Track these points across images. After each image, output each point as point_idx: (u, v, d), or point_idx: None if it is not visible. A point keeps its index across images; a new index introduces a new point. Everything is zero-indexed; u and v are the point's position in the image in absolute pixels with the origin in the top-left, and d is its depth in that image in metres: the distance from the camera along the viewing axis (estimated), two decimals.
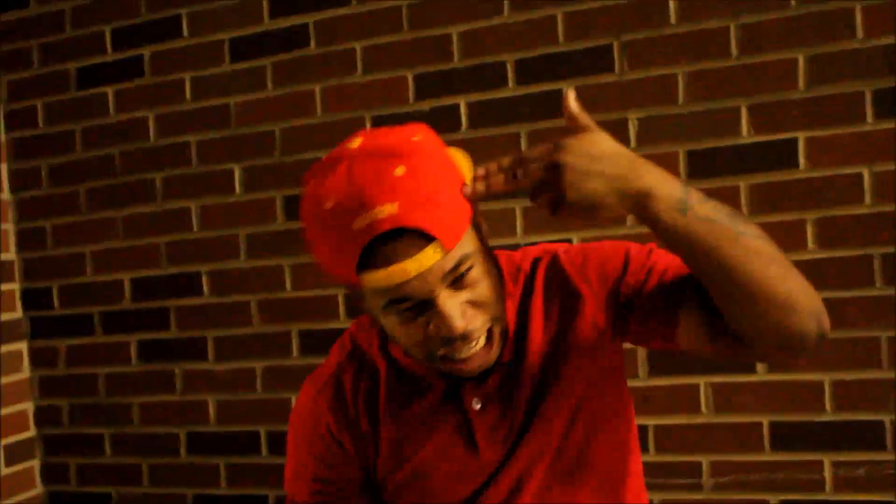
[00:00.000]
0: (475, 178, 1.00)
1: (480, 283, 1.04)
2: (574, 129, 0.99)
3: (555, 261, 1.19)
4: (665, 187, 0.94)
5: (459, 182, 1.04)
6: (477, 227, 1.07)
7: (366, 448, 1.24)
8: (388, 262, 0.97)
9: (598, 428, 1.18)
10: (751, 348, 1.03)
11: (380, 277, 0.98)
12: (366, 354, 1.24)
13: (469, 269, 1.01)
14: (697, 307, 1.06)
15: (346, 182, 1.00)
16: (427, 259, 0.96)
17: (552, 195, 0.96)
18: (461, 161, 1.09)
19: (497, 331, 1.08)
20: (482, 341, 1.06)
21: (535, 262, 1.21)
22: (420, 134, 1.04)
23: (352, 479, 1.24)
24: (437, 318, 1.01)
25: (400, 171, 0.98)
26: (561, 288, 1.18)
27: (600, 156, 0.95)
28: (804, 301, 0.98)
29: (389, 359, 1.22)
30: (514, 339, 1.19)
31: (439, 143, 1.06)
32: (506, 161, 0.99)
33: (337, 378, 1.24)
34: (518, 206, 2.13)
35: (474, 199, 0.99)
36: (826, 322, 1.00)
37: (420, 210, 0.97)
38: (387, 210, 0.96)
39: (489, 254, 1.09)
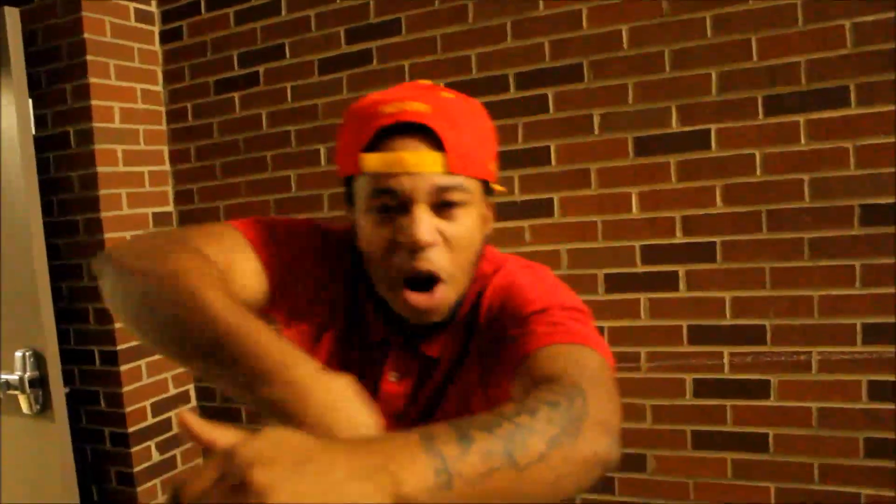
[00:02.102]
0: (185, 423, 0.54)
1: (462, 228, 0.87)
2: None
3: (500, 286, 0.94)
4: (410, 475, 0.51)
5: (491, 147, 0.91)
6: (487, 195, 0.93)
7: (310, 318, 0.98)
8: (394, 149, 0.83)
9: None
10: None
11: (380, 159, 0.83)
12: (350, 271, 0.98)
13: (460, 205, 0.86)
14: None
15: (395, 89, 0.91)
16: (428, 163, 0.82)
17: None
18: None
19: (453, 291, 0.89)
20: (440, 290, 0.87)
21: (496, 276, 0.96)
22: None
23: (296, 299, 0.94)
24: (407, 222, 0.83)
25: (448, 95, 0.88)
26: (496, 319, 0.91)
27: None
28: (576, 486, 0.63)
29: (354, 295, 0.98)
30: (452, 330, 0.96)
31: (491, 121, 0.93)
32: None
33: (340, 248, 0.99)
34: (526, 223, 2.16)
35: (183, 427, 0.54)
36: (599, 467, 0.63)
37: (447, 124, 0.83)
38: (418, 107, 0.83)
39: (483, 231, 0.92)
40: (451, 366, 0.95)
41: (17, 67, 2.10)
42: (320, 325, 0.99)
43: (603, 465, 0.64)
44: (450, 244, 0.86)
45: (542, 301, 0.86)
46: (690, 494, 2.07)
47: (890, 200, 1.81)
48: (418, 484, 0.51)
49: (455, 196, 0.85)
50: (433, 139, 0.83)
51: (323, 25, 2.40)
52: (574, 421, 0.63)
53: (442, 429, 0.56)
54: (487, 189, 0.93)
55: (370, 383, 0.93)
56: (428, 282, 0.87)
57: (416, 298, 0.86)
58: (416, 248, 0.84)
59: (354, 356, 0.98)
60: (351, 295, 0.98)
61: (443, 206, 0.85)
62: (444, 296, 0.87)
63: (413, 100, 0.85)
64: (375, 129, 0.84)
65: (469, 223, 0.87)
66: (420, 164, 0.82)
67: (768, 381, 1.96)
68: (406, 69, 2.30)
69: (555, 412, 0.62)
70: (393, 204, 0.85)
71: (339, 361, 0.97)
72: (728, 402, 2.01)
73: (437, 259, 0.85)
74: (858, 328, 1.87)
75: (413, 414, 0.95)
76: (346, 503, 0.46)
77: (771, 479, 1.98)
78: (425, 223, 0.83)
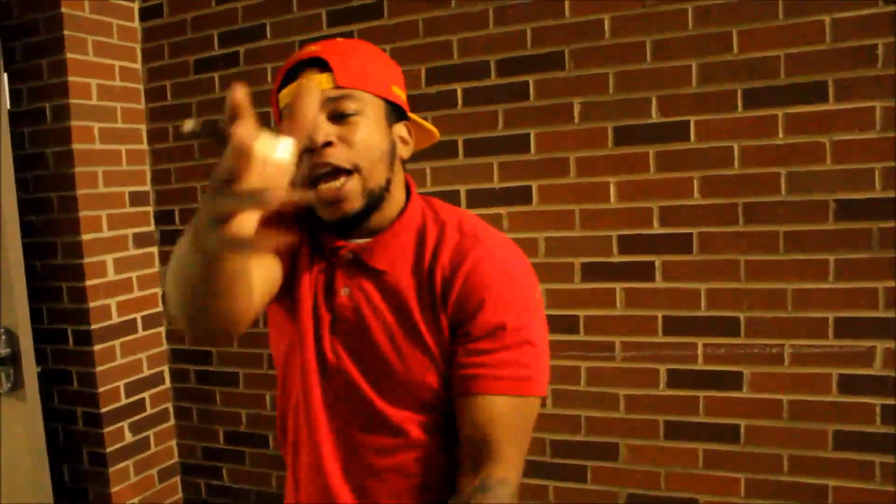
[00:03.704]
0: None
1: (359, 130, 0.98)
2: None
3: (465, 239, 1.04)
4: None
5: (390, 73, 1.04)
6: (399, 118, 1.05)
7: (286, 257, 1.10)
8: (292, 82, 0.99)
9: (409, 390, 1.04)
10: None
11: (286, 92, 1.00)
12: None
13: (354, 114, 0.98)
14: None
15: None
16: (318, 82, 0.96)
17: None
18: (425, 125, 1.13)
19: (359, 182, 0.99)
20: (346, 181, 0.97)
21: (453, 221, 1.07)
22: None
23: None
24: None
25: (345, 39, 1.06)
26: (450, 269, 1.03)
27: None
28: None
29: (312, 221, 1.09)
30: (402, 254, 1.06)
31: (393, 60, 1.08)
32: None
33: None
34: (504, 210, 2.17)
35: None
36: None
37: (333, 54, 0.99)
38: (312, 49, 1.00)
39: (389, 143, 1.03)
40: (391, 284, 1.05)
41: None
42: (293, 251, 1.10)
43: None
44: (347, 142, 0.98)
45: (508, 317, 1.00)
46: (662, 484, 2.09)
47: (864, 196, 1.83)
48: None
49: (346, 105, 0.98)
50: (326, 67, 0.98)
51: (305, 6, 2.39)
52: None
53: None
54: (398, 112, 1.06)
55: (329, 299, 1.07)
56: (332, 174, 0.98)
57: (324, 188, 0.97)
58: (314, 148, 0.96)
59: (315, 275, 1.10)
60: (310, 220, 1.10)
61: (339, 117, 0.98)
62: (350, 185, 0.99)
63: (310, 46, 1.02)
64: (282, 73, 1.02)
65: (366, 129, 0.99)
66: (312, 83, 0.91)
67: (741, 373, 1.98)
68: (388, 53, 2.25)
69: None
70: None
71: (305, 280, 1.09)
72: (701, 393, 2.03)
73: (335, 153, 0.97)
74: (830, 322, 1.89)
75: (350, 327, 1.06)
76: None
77: (741, 469, 2.01)
78: (320, 127, 0.95)
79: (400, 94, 1.06)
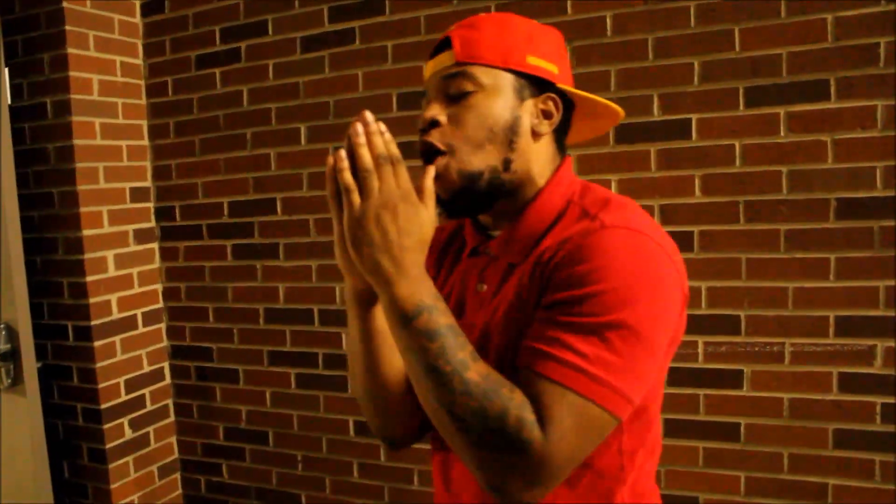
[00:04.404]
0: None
1: (470, 110, 0.92)
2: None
3: (587, 230, 0.87)
4: (404, 292, 0.78)
5: (525, 43, 0.94)
6: (527, 86, 0.95)
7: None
8: (429, 58, 0.99)
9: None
10: None
11: (425, 68, 0.99)
12: None
13: (471, 93, 0.92)
14: None
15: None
16: (440, 62, 0.95)
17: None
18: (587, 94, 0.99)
19: (454, 163, 0.92)
20: (439, 161, 0.92)
21: (595, 210, 0.91)
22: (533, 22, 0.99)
23: None
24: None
25: (483, 14, 0.99)
26: (563, 253, 0.87)
27: (398, 231, 0.78)
28: (474, 467, 0.78)
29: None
30: (523, 239, 0.96)
31: (545, 29, 0.99)
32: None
33: None
34: None
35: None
36: (511, 487, 0.76)
37: (460, 28, 0.96)
38: (449, 30, 0.97)
39: (512, 117, 0.93)
40: (517, 276, 0.94)
41: None
42: (441, 251, 1.12)
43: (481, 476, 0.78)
44: (457, 122, 0.92)
45: (607, 285, 0.80)
46: (662, 482, 2.09)
47: (866, 195, 1.83)
48: (401, 297, 0.77)
49: (462, 84, 0.92)
50: (451, 44, 0.95)
51: (306, 2, 2.39)
52: (501, 435, 0.75)
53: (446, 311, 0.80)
54: (538, 85, 0.96)
55: (467, 295, 1.01)
56: (431, 154, 0.93)
57: (425, 170, 0.90)
58: (424, 128, 0.94)
59: (458, 270, 1.06)
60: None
61: (456, 97, 0.93)
62: (443, 165, 0.92)
63: (452, 27, 0.99)
64: (430, 52, 1.00)
65: (480, 107, 0.92)
66: (435, 65, 0.96)
67: (741, 371, 1.98)
68: (389, 49, 2.29)
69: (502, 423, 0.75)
70: (429, 100, 0.97)
71: (447, 278, 1.07)
72: (701, 392, 2.03)
73: (437, 134, 0.93)
74: (831, 320, 1.89)
75: (484, 317, 0.96)
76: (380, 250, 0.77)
77: (742, 468, 2.01)
78: (433, 106, 0.93)
79: (542, 65, 0.95)
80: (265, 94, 2.48)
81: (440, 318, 0.79)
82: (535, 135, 0.96)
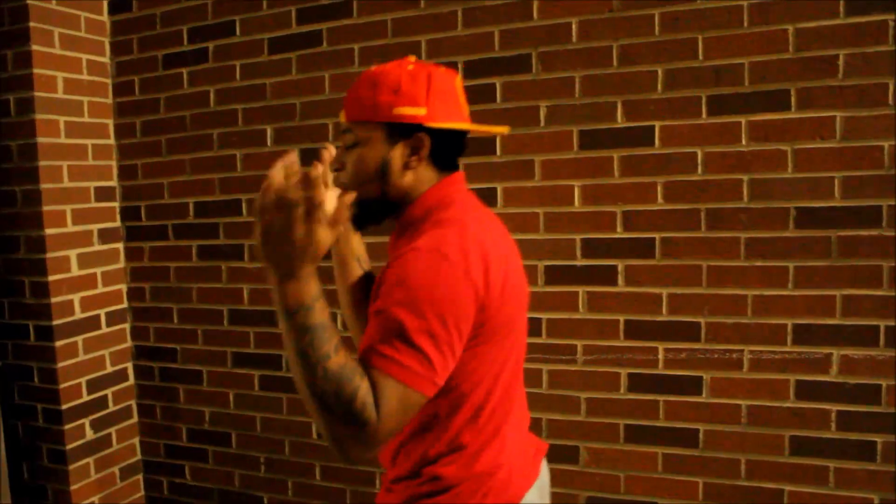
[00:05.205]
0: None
1: (352, 158, 1.16)
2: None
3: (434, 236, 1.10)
4: (290, 290, 0.94)
5: (391, 96, 1.12)
6: (395, 133, 1.14)
7: None
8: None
9: None
10: None
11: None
12: None
13: (355, 145, 1.15)
14: None
15: None
16: (340, 118, 1.18)
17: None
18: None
19: (350, 196, 1.03)
20: (339, 193, 1.07)
21: (440, 221, 1.15)
22: (409, 63, 1.18)
23: None
24: None
25: (364, 74, 1.18)
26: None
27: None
28: (325, 433, 0.99)
29: None
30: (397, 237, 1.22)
31: (412, 69, 1.15)
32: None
33: None
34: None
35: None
36: (350, 450, 0.98)
37: (349, 93, 1.17)
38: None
39: (380, 158, 1.15)
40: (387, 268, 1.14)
41: None
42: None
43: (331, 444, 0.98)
44: (349, 166, 1.17)
45: (405, 296, 1.03)
46: (621, 487, 2.10)
47: (824, 204, 1.85)
48: (289, 291, 0.94)
49: (349, 139, 1.17)
50: None
51: (274, 4, 2.39)
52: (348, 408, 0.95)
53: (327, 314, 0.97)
54: (406, 129, 1.15)
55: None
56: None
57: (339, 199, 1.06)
58: (337, 168, 1.19)
59: None
60: None
61: (348, 147, 1.18)
62: (346, 196, 1.04)
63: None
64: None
65: (360, 156, 1.16)
66: (340, 121, 1.20)
67: (700, 378, 1.99)
68: (356, 52, 2.30)
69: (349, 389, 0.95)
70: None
71: None
72: (661, 398, 2.04)
73: (343, 175, 1.18)
74: (789, 328, 1.91)
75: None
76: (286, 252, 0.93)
77: (700, 474, 2.02)
78: (338, 154, 1.17)
79: (407, 112, 1.14)
80: (232, 95, 2.48)
81: (315, 317, 0.95)
82: (407, 167, 1.17)
